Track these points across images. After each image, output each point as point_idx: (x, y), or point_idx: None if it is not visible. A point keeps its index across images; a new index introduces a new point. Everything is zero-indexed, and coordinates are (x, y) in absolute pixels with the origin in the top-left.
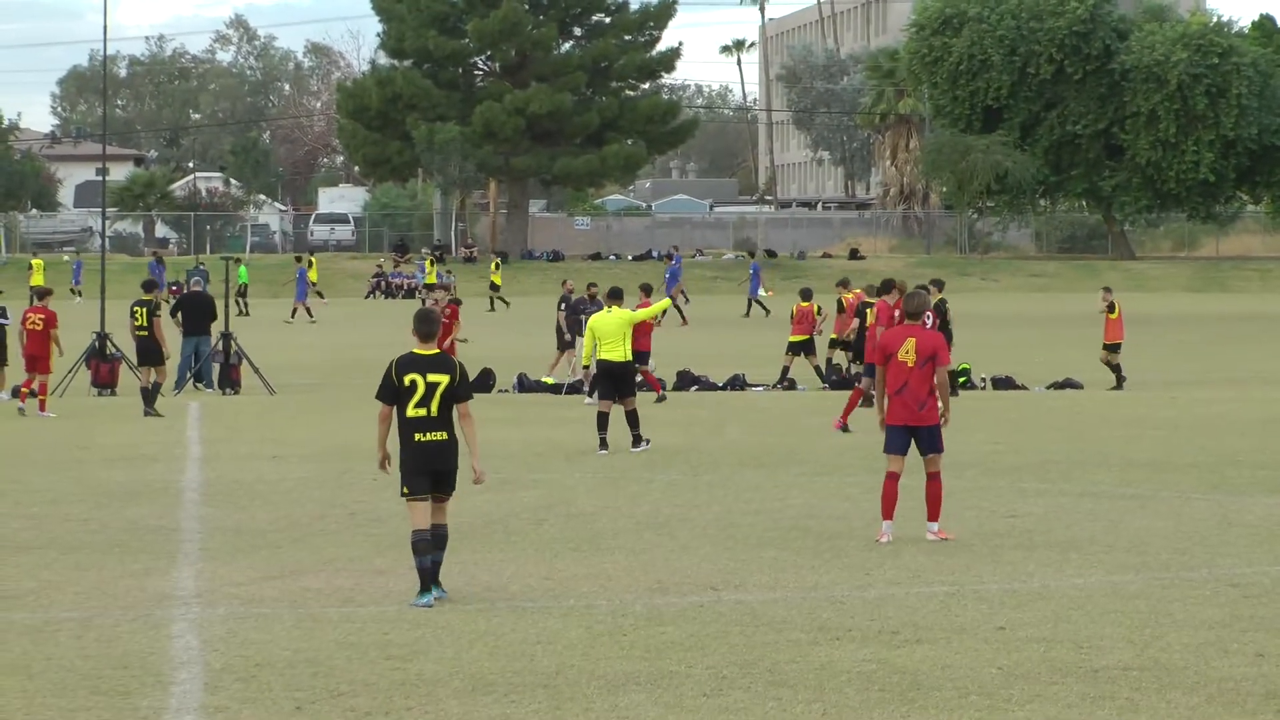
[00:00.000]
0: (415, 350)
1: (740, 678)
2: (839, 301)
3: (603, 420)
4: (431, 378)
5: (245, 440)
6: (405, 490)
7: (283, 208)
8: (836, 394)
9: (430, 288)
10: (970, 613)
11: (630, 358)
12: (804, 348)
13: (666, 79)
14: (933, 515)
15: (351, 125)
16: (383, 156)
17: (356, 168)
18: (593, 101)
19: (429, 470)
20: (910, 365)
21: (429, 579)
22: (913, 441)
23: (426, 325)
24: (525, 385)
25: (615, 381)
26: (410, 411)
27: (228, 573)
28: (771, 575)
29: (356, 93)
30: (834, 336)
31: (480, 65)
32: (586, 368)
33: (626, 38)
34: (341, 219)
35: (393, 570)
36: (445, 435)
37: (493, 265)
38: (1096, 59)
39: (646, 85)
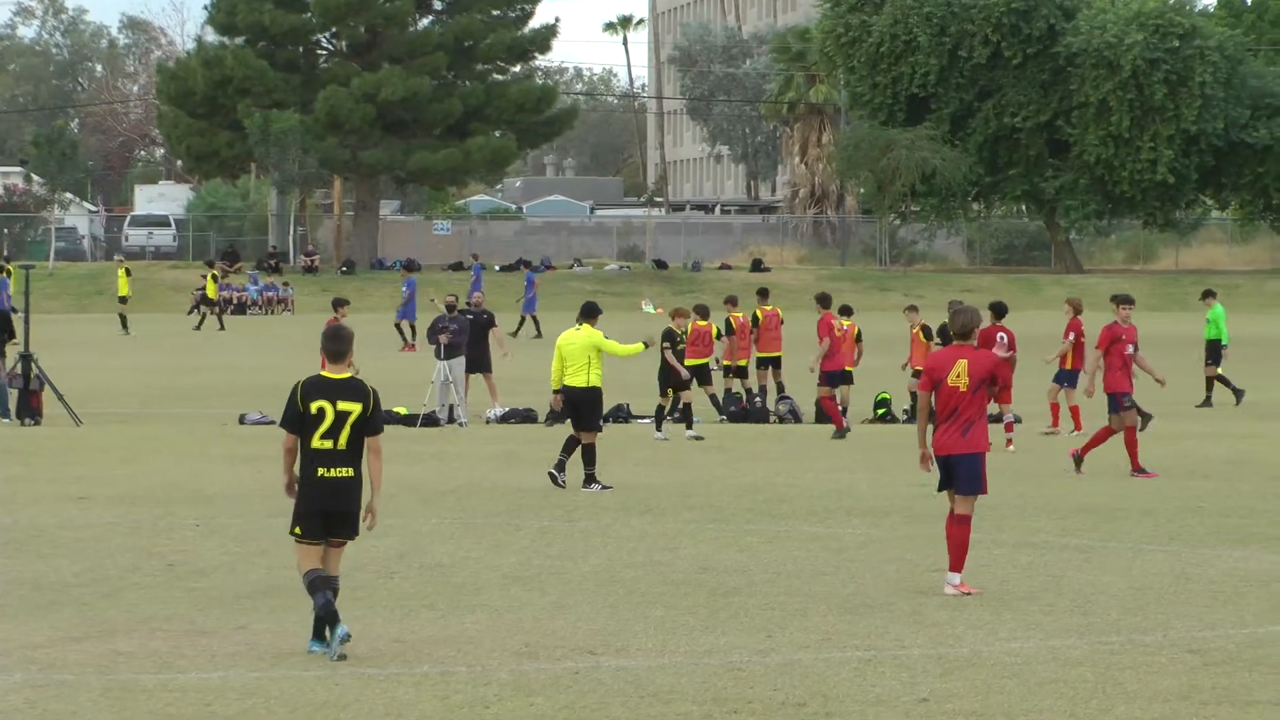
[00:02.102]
0: (324, 373)
1: None
2: (727, 322)
3: (571, 443)
4: (342, 405)
5: (47, 479)
6: (296, 530)
7: (93, 208)
8: (735, 428)
9: (210, 303)
10: (889, 682)
11: (599, 384)
12: (698, 374)
13: (541, 61)
14: (955, 565)
15: (173, 113)
16: (210, 149)
17: (179, 162)
18: (455, 87)
19: (326, 511)
20: (962, 391)
21: (325, 622)
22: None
23: (336, 343)
24: None
25: (578, 409)
26: (315, 443)
27: (25, 633)
28: (659, 638)
29: (179, 75)
30: (727, 363)
31: (324, 44)
32: (557, 392)
33: (494, 13)
34: (161, 221)
35: (217, 631)
36: (351, 472)
37: (209, 277)
38: (1039, 41)
39: (517, 68)
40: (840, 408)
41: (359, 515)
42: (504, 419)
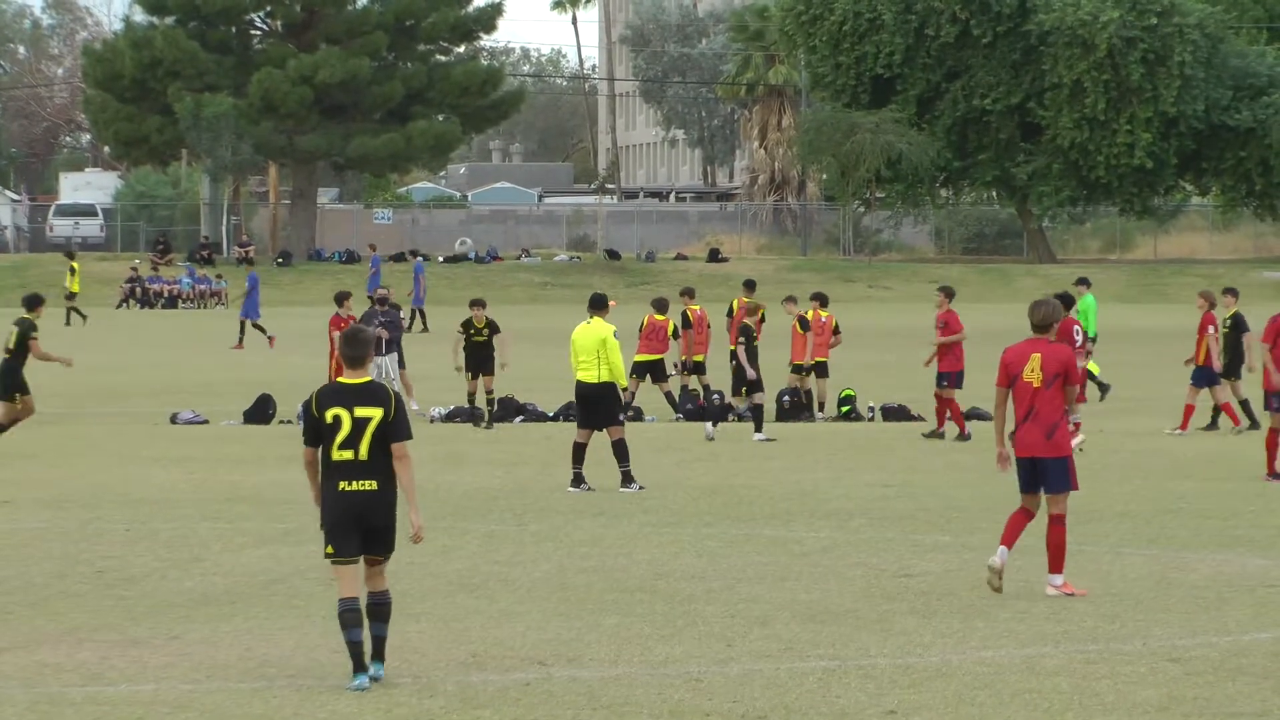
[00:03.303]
0: (340, 379)
1: None
2: (684, 315)
3: (579, 453)
4: (360, 412)
5: None
6: (329, 550)
7: (15, 197)
8: (691, 425)
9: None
10: (854, 693)
11: (609, 379)
12: (652, 370)
13: (486, 41)
14: (1055, 566)
15: (100, 97)
16: (138, 135)
17: (106, 148)
18: (396, 68)
19: (357, 526)
20: (1036, 386)
21: (362, 657)
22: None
23: (354, 347)
24: None
25: (592, 407)
26: (334, 455)
27: None
28: (613, 647)
29: (106, 57)
30: (682, 358)
31: (258, 24)
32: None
33: None
34: (88, 211)
35: (149, 641)
36: (375, 484)
37: (69, 271)
38: (1009, 19)
39: (461, 49)
40: (819, 402)
41: (392, 529)
42: (449, 418)
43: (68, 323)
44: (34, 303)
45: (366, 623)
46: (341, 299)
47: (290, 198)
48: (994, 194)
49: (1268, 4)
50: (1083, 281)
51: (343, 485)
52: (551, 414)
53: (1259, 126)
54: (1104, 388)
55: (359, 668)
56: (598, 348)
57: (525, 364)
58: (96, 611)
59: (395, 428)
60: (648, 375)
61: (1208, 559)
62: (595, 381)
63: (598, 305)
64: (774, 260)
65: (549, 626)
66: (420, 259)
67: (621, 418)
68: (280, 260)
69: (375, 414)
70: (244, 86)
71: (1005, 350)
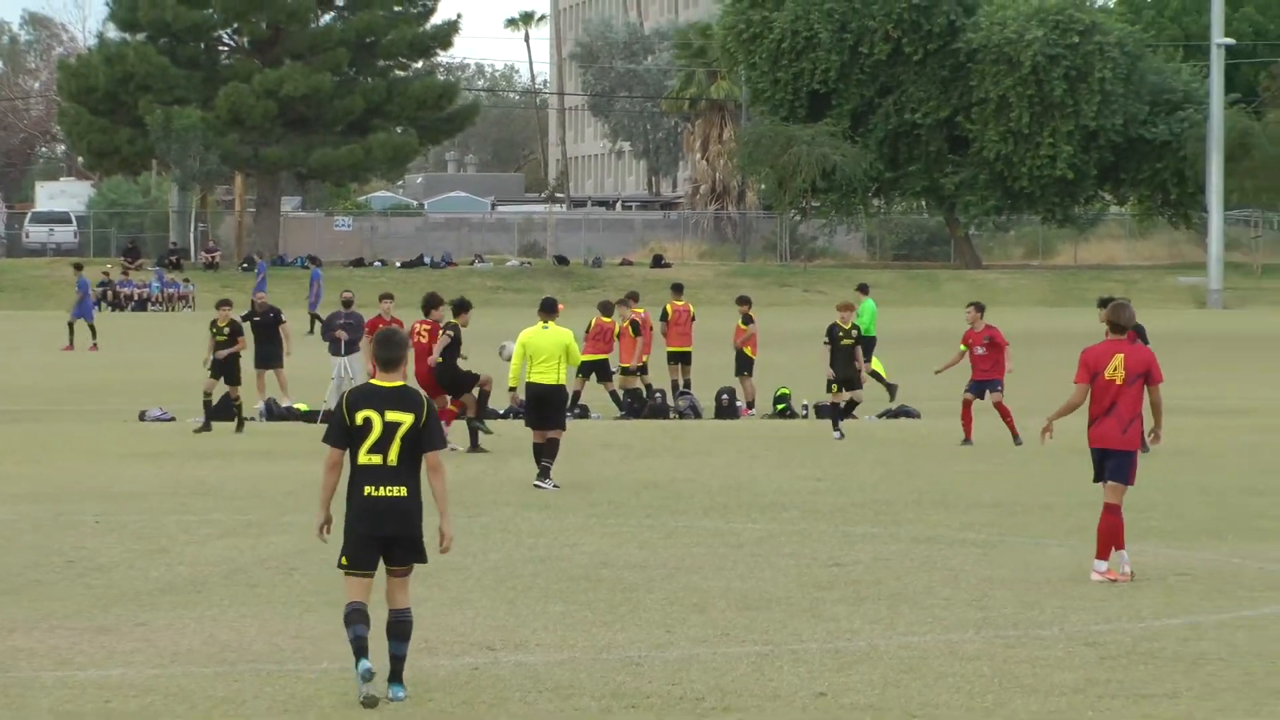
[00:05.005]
0: (374, 380)
1: None
2: (633, 322)
3: (539, 451)
4: (391, 416)
5: None
6: (343, 561)
7: None
8: (634, 424)
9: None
10: (786, 676)
11: (565, 382)
12: (598, 369)
13: (442, 57)
14: (1102, 553)
15: (75, 109)
16: (111, 146)
17: (80, 159)
18: (356, 83)
19: (379, 536)
20: (1119, 383)
21: (365, 649)
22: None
23: (389, 349)
24: (275, 412)
25: (545, 408)
26: (362, 458)
27: None
28: (558, 633)
29: (81, 71)
30: (624, 366)
31: (226, 40)
32: (513, 390)
33: (396, 9)
34: (62, 218)
35: (116, 628)
36: (405, 491)
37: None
38: (939, 37)
39: (419, 64)
40: (748, 400)
41: (419, 539)
42: None
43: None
44: None
45: (386, 643)
46: (383, 298)
47: (255, 206)
48: (923, 203)
49: (1184, 23)
50: (862, 288)
51: (369, 490)
52: (501, 411)
53: (1174, 140)
54: (891, 388)
55: (360, 653)
56: (560, 352)
57: (476, 364)
58: (67, 599)
59: (428, 435)
60: (593, 374)
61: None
62: (552, 384)
63: (551, 309)
64: (714, 266)
65: (497, 613)
66: (317, 267)
67: (565, 421)
68: (245, 265)
69: (407, 419)
70: (212, 100)
71: (1087, 350)
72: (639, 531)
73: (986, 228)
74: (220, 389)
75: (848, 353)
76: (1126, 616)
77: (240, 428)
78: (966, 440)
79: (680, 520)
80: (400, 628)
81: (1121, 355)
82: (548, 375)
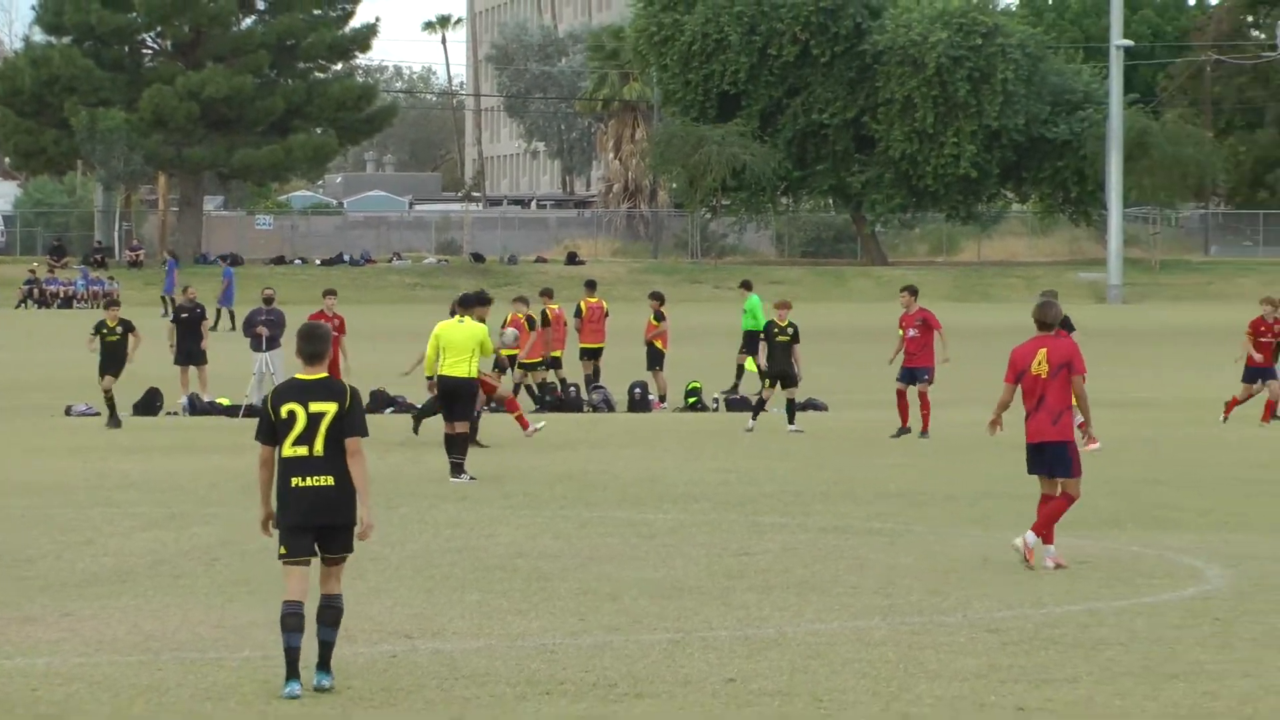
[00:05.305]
0: (298, 374)
1: None
2: (543, 314)
3: (450, 440)
4: (315, 407)
5: None
6: (282, 550)
7: None
8: (549, 417)
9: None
10: (697, 663)
11: (476, 375)
12: (514, 365)
13: (361, 59)
14: (1048, 538)
15: (1, 111)
16: (37, 146)
17: (6, 159)
18: (277, 85)
19: (309, 525)
20: (1044, 377)
21: (296, 663)
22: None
23: (311, 343)
24: (197, 407)
25: (454, 401)
26: (288, 450)
27: None
28: (474, 621)
29: (7, 74)
30: (526, 361)
31: (150, 43)
32: (430, 378)
33: (316, 13)
34: None
35: (43, 618)
36: (332, 480)
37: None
38: (846, 39)
39: (338, 66)
40: (660, 394)
41: (350, 527)
42: None
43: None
44: None
45: (314, 628)
46: (327, 293)
47: (178, 205)
48: (830, 201)
49: (1084, 26)
50: (745, 284)
51: (296, 481)
52: (419, 405)
53: (1075, 139)
54: (736, 380)
55: (292, 674)
56: (474, 346)
57: (394, 359)
58: None
59: (350, 422)
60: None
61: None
62: (463, 377)
63: (469, 304)
64: (627, 263)
65: (415, 602)
66: (229, 266)
67: (473, 415)
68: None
69: (330, 409)
70: (136, 101)
71: (1014, 349)
72: (553, 522)
73: (892, 225)
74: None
75: (784, 349)
76: (1028, 603)
77: (113, 422)
78: (903, 429)
79: (594, 511)
80: (330, 614)
81: (1045, 350)
82: (459, 369)
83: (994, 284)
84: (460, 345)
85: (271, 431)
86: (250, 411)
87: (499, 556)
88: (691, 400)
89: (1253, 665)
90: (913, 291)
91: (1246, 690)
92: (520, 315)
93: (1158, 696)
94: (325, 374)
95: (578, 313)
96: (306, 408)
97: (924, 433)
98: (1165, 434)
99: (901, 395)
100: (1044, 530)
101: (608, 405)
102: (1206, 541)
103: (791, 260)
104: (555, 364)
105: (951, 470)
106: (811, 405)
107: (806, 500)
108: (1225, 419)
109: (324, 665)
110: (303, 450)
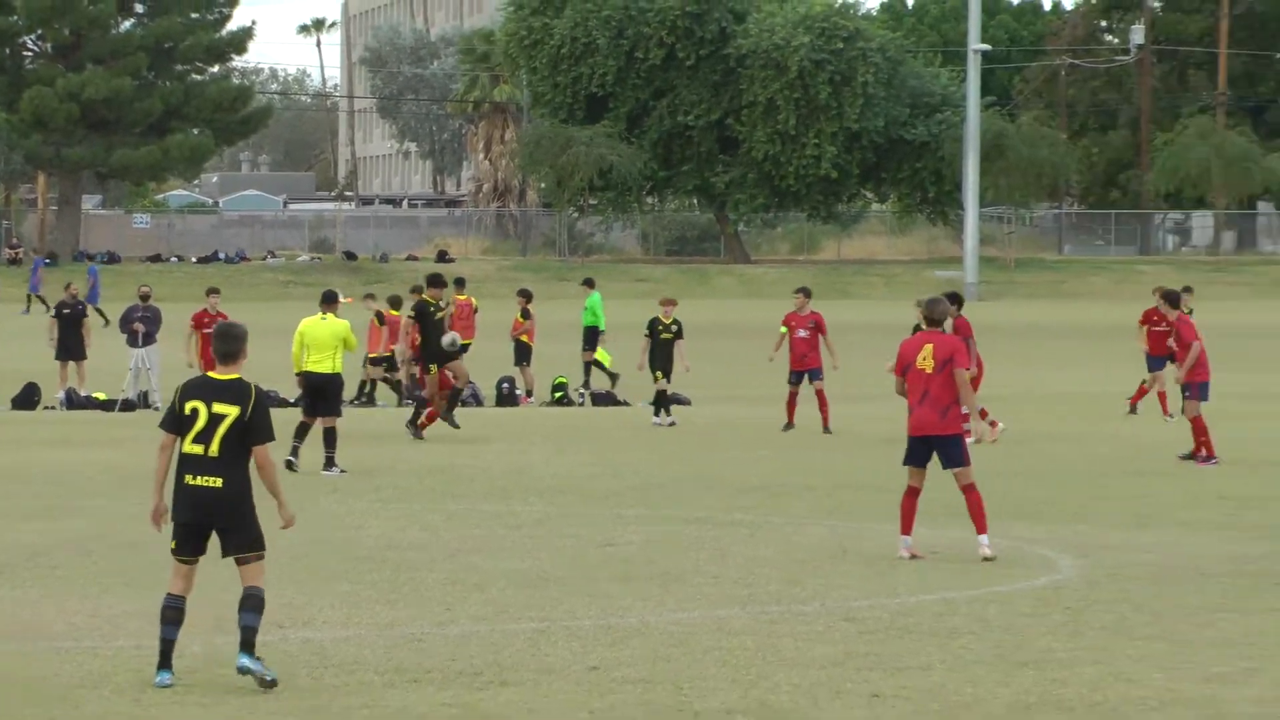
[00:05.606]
0: (210, 373)
1: None
2: (378, 314)
3: (303, 430)
4: (217, 408)
5: None
6: (172, 545)
7: None
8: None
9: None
10: (561, 651)
11: (340, 370)
12: (388, 362)
13: (237, 62)
14: (980, 528)
15: None
16: None
17: None
18: (155, 86)
19: (195, 523)
20: (929, 372)
21: (169, 655)
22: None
23: (225, 343)
24: (75, 401)
25: (319, 396)
26: (186, 447)
27: None
28: (344, 611)
29: None
30: (375, 353)
31: (30, 45)
32: (300, 375)
33: (193, 16)
34: None
35: None
36: (220, 481)
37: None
38: (711, 43)
39: (215, 69)
40: (527, 389)
41: (243, 529)
42: None
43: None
44: None
45: (195, 620)
46: (210, 292)
47: (57, 204)
48: (695, 201)
49: (942, 30)
50: (588, 282)
51: (188, 479)
52: (293, 400)
53: (933, 140)
54: (613, 377)
55: (164, 664)
56: (336, 342)
57: (268, 355)
58: None
59: (253, 428)
60: (382, 365)
61: (880, 530)
62: (327, 372)
63: (330, 301)
64: (497, 261)
65: (286, 593)
66: (93, 264)
67: (340, 409)
68: (48, 260)
69: (232, 412)
70: (16, 103)
71: (901, 344)
72: (422, 515)
73: (755, 224)
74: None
75: (667, 346)
76: (884, 593)
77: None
78: (788, 425)
79: (461, 504)
80: (249, 602)
81: (931, 345)
82: (323, 364)
83: (853, 282)
84: (323, 342)
85: (176, 423)
86: (126, 406)
87: (368, 548)
88: (558, 395)
89: (1102, 653)
90: (806, 293)
91: (1095, 677)
92: (394, 313)
93: (1009, 683)
94: (237, 375)
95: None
96: (210, 407)
97: (825, 428)
98: (1017, 429)
99: (793, 395)
100: (983, 525)
101: (476, 400)
102: (1058, 533)
103: (657, 259)
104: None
105: (809, 463)
106: (676, 400)
107: (669, 493)
108: (1132, 409)
109: (247, 647)
110: (199, 449)
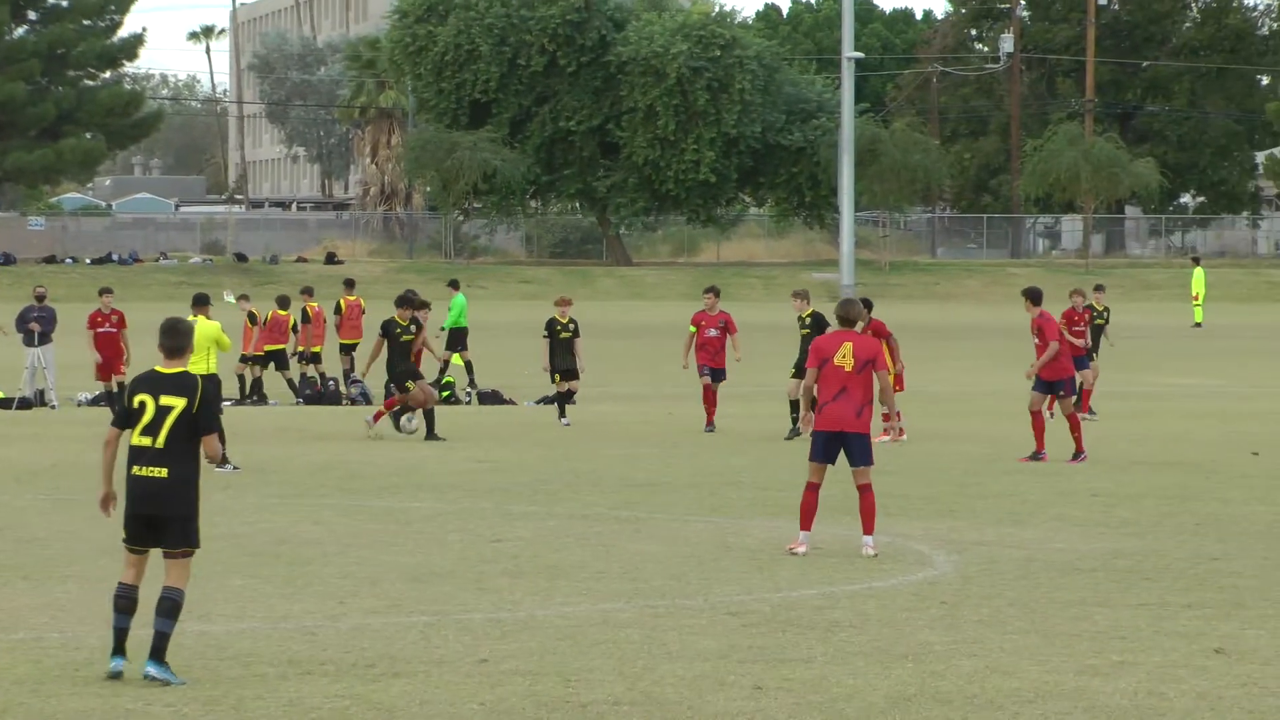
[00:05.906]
0: (157, 367)
1: (203, 715)
2: (304, 311)
3: None
4: (164, 400)
5: None
6: (123, 535)
7: None
8: (310, 410)
9: None
10: (452, 644)
11: (216, 370)
12: (276, 358)
13: (129, 68)
14: (868, 529)
15: None
16: None
17: None
18: (48, 91)
19: (139, 514)
20: (848, 370)
21: (123, 641)
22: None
23: (172, 338)
24: None
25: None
26: (135, 439)
27: None
28: (238, 605)
29: None
30: (300, 349)
31: None
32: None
33: (85, 22)
34: None
35: None
36: (165, 473)
37: None
38: (592, 50)
39: (107, 74)
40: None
41: (183, 522)
42: (94, 402)
43: None
44: None
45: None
46: (103, 292)
47: None
48: (577, 205)
49: (817, 38)
50: (452, 283)
51: (136, 469)
52: None
53: (809, 146)
54: (469, 375)
55: (117, 650)
56: (209, 343)
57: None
58: None
59: (201, 420)
60: (271, 363)
61: (762, 525)
62: (204, 374)
63: (202, 303)
64: (384, 263)
65: None
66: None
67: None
68: None
69: (178, 403)
70: None
71: (816, 339)
72: (315, 510)
73: (636, 227)
74: None
75: (566, 345)
76: (766, 588)
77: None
78: (709, 426)
79: (353, 500)
80: (164, 605)
81: (850, 344)
82: (198, 365)
83: (732, 283)
84: (197, 344)
85: (125, 417)
86: (23, 404)
87: (262, 543)
88: (445, 394)
89: (978, 646)
90: (715, 293)
91: (972, 670)
92: (283, 313)
93: (888, 675)
94: (182, 369)
95: (337, 310)
96: (157, 400)
97: (708, 426)
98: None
99: (708, 390)
100: (871, 526)
101: (365, 399)
102: (933, 529)
103: (540, 260)
104: (315, 359)
105: (693, 460)
106: (494, 396)
107: (556, 489)
108: (1090, 413)
109: (156, 655)
110: (147, 440)
